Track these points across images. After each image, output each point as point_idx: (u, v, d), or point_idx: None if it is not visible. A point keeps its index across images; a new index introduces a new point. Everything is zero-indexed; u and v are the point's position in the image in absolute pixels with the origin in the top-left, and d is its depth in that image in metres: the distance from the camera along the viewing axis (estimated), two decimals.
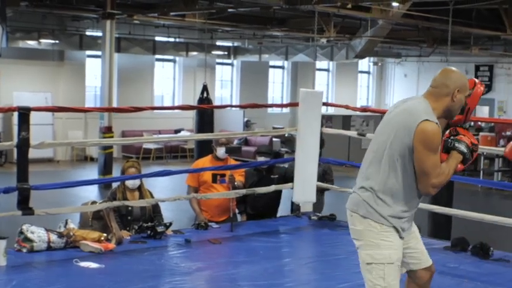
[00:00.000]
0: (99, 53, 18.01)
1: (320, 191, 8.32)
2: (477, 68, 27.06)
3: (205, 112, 14.54)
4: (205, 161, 7.95)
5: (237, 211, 8.06)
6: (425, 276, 4.24)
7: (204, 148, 8.00)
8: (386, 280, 3.96)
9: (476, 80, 4.15)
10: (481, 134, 19.64)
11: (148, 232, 6.78)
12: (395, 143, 3.93)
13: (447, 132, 4.11)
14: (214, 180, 7.74)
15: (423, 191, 3.96)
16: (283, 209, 8.57)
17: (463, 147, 4.00)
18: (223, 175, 7.75)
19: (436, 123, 3.86)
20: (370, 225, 3.98)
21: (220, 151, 7.75)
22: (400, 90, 30.51)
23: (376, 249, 3.96)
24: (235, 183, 7.59)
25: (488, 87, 25.50)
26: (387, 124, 4.06)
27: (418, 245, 4.22)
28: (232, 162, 8.02)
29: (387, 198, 3.95)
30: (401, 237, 4.01)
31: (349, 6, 14.75)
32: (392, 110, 4.15)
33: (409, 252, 4.14)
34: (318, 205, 8.40)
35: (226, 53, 24.92)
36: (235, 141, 23.14)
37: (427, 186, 3.91)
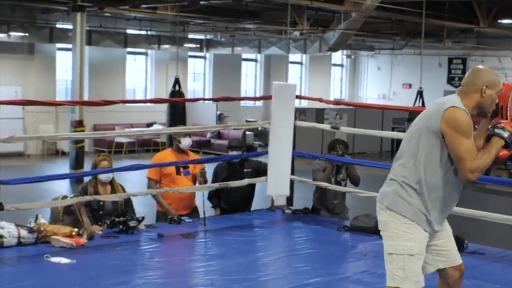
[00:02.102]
0: (69, 46, 17.80)
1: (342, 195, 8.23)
2: (450, 61, 27.23)
3: (177, 105, 14.48)
4: (167, 154, 7.89)
5: (209, 205, 8.02)
6: (455, 275, 4.25)
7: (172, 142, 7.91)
8: (405, 272, 3.99)
9: (504, 82, 4.19)
10: None
11: (121, 227, 6.73)
12: (425, 133, 3.97)
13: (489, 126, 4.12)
14: (177, 172, 7.66)
15: (463, 177, 3.97)
16: (262, 204, 8.55)
17: (502, 132, 3.99)
18: (186, 167, 7.69)
19: (464, 110, 3.91)
20: (393, 216, 4.03)
21: (185, 142, 7.67)
22: (373, 83, 30.65)
23: (397, 240, 4.00)
24: (206, 177, 7.56)
25: (461, 80, 25.65)
26: (420, 120, 4.10)
27: (447, 244, 4.24)
28: (192, 155, 7.94)
29: (415, 190, 3.99)
30: (425, 231, 4.03)
31: None
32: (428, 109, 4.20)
33: (437, 249, 4.19)
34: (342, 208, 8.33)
35: (198, 46, 24.82)
36: (208, 135, 23.11)
37: (464, 171, 3.92)
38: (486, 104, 4.03)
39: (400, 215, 4.00)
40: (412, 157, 4.00)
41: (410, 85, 27.32)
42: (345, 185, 8.08)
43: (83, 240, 6.28)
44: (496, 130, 4.01)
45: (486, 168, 3.98)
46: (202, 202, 7.62)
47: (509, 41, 23.16)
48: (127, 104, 21.77)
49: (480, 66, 4.19)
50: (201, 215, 7.55)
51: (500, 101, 4.10)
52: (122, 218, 6.79)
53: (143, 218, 6.99)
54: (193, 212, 7.76)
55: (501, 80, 4.16)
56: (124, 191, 7.18)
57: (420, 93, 13.36)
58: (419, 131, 4.01)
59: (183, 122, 14.39)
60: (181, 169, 7.69)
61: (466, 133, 3.88)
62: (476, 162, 3.90)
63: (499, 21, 19.25)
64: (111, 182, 7.08)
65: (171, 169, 7.65)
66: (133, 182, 11.91)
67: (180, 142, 7.69)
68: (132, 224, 6.74)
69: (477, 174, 3.93)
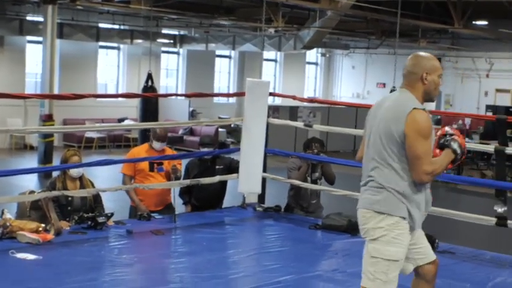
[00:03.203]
0: (40, 38, 17.58)
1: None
2: None
3: (149, 101, 14.37)
4: (142, 150, 7.85)
5: (181, 202, 7.96)
6: (432, 270, 4.29)
7: (148, 137, 7.86)
8: (388, 276, 4.02)
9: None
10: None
11: (89, 223, 6.65)
12: (391, 138, 4.00)
13: (442, 130, 4.21)
14: (151, 168, 7.63)
15: (416, 178, 3.97)
16: (234, 201, 8.49)
17: (456, 146, 4.10)
18: (160, 163, 7.65)
19: (424, 109, 3.98)
20: (383, 222, 4.03)
21: (157, 145, 7.66)
22: (347, 81, 30.72)
23: (385, 245, 4.02)
24: (178, 173, 7.52)
25: None
26: (380, 122, 4.09)
27: (423, 240, 4.28)
28: (169, 151, 7.91)
29: (404, 194, 4.01)
30: (411, 233, 4.08)
31: None
32: (381, 104, 4.20)
33: (416, 247, 4.21)
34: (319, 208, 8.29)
35: (172, 41, 24.67)
36: (180, 131, 23.00)
37: (419, 172, 3.94)
38: (430, 90, 4.11)
39: (393, 218, 4.01)
40: (388, 162, 4.02)
41: (384, 84, 27.39)
42: (320, 184, 8.05)
43: (50, 236, 6.18)
44: (452, 144, 4.09)
45: (438, 175, 4.07)
46: (174, 199, 7.57)
47: (484, 42, 23.35)
48: (98, 99, 21.70)
49: (417, 53, 4.21)
50: (176, 212, 7.52)
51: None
52: (90, 214, 6.72)
53: (112, 214, 6.92)
54: (167, 208, 7.70)
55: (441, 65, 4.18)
56: (93, 186, 7.11)
57: None
58: (387, 136, 4.02)
59: (155, 118, 14.28)
60: (155, 165, 7.65)
61: (426, 135, 3.95)
62: (433, 166, 3.97)
63: (473, 22, 19.41)
64: (80, 178, 6.99)
65: (145, 165, 7.62)
66: (103, 178, 11.81)
67: (153, 142, 7.68)
68: (100, 220, 6.66)
69: (430, 178, 3.99)
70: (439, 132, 4.19)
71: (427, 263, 4.26)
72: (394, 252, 4.01)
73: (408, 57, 4.21)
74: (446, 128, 4.20)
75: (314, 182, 7.94)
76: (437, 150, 4.10)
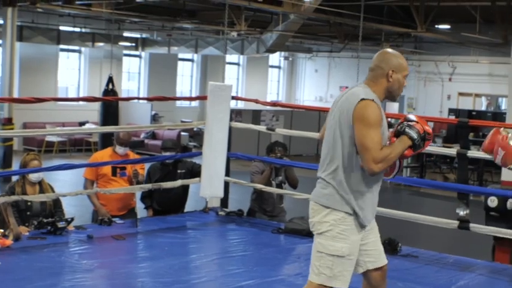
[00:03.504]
0: None
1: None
2: None
3: (110, 104, 14.22)
4: (105, 154, 7.77)
5: (142, 206, 7.89)
6: (379, 275, 4.23)
7: (108, 141, 7.80)
8: (333, 271, 3.98)
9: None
10: (390, 130, 20.07)
11: (49, 228, 6.55)
12: (343, 132, 3.97)
13: (402, 118, 4.16)
14: (114, 173, 7.58)
15: (366, 167, 3.92)
16: (196, 205, 8.44)
17: (412, 133, 4.02)
18: (123, 168, 7.61)
19: (373, 100, 3.92)
20: (328, 216, 4.00)
21: (120, 149, 7.62)
22: (310, 85, 30.80)
23: (330, 241, 3.99)
24: (139, 178, 7.45)
25: None
26: (335, 115, 4.07)
27: (377, 243, 4.23)
28: (133, 156, 7.87)
29: (349, 189, 3.98)
30: (362, 227, 4.04)
31: None
32: (338, 100, 4.16)
33: (367, 249, 4.16)
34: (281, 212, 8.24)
35: (134, 44, 24.53)
36: (142, 135, 22.86)
37: (368, 161, 3.88)
38: (393, 88, 4.08)
39: (337, 213, 3.98)
40: (339, 157, 4.00)
41: (347, 88, 27.52)
42: (284, 188, 8.03)
43: (9, 241, 6.07)
44: (407, 130, 4.03)
45: (390, 163, 3.98)
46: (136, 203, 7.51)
47: (446, 46, 23.59)
48: (59, 102, 21.45)
49: (387, 50, 4.18)
50: (139, 216, 7.47)
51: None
52: (50, 219, 6.62)
53: (72, 219, 6.82)
54: (131, 213, 7.64)
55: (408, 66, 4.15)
56: (53, 191, 7.01)
57: None
58: (338, 129, 4.00)
59: (115, 122, 14.15)
60: (118, 170, 7.60)
61: (372, 124, 3.89)
62: (381, 153, 3.89)
63: (436, 26, 19.59)
64: (40, 182, 6.90)
65: (107, 170, 7.57)
66: (64, 182, 11.68)
67: (116, 147, 7.64)
68: (60, 225, 6.57)
69: (380, 166, 3.90)
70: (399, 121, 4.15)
71: (375, 268, 4.20)
72: (339, 247, 3.97)
73: (377, 52, 4.18)
74: (410, 116, 4.15)
75: (278, 186, 7.93)
76: (394, 138, 4.05)
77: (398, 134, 4.05)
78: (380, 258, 4.23)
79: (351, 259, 4.02)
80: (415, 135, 4.01)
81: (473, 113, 23.30)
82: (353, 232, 4.01)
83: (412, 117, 4.14)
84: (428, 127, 4.12)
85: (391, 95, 4.09)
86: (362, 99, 3.91)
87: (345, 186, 3.98)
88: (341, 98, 4.11)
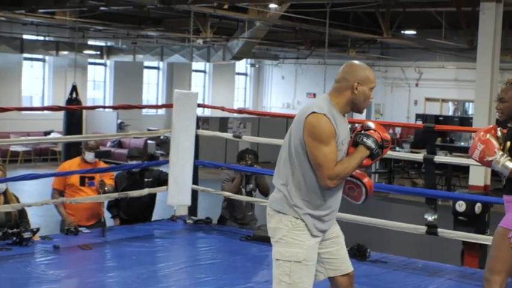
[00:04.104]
0: None
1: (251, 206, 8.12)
2: None
3: (74, 113, 14.09)
4: (73, 163, 7.69)
5: (109, 215, 7.84)
6: (344, 283, 4.17)
7: (72, 150, 7.72)
8: (292, 278, 3.94)
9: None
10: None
11: (14, 238, 6.47)
12: (294, 141, 3.95)
13: (359, 126, 4.11)
14: (82, 183, 7.53)
15: (322, 184, 3.90)
16: (164, 214, 8.37)
17: (369, 142, 3.98)
18: (92, 178, 7.55)
19: (325, 115, 3.85)
20: (282, 222, 3.98)
21: (89, 156, 7.56)
22: (277, 92, 30.82)
23: (285, 247, 3.95)
24: (106, 188, 7.40)
25: None
26: (292, 125, 4.05)
27: (339, 251, 4.18)
28: (102, 165, 7.80)
29: (298, 196, 3.94)
30: (314, 236, 3.98)
31: (226, 6, 14.68)
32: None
33: (328, 258, 4.12)
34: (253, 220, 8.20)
35: (99, 52, 24.30)
36: (108, 144, 22.68)
37: (323, 178, 3.87)
38: (359, 101, 4.00)
39: (289, 221, 3.96)
40: (289, 163, 3.98)
41: (314, 94, 27.57)
42: (255, 196, 8.01)
43: None
44: (365, 139, 3.98)
45: (347, 175, 3.96)
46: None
47: (412, 51, 23.75)
48: (23, 112, 21.21)
49: (354, 62, 4.11)
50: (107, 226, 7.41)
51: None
52: (15, 230, 6.53)
53: (38, 230, 6.74)
54: (100, 223, 7.53)
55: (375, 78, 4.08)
56: (18, 201, 6.91)
57: None
58: (291, 138, 3.98)
59: (79, 131, 14.02)
60: (86, 180, 7.55)
61: (324, 140, 3.84)
62: (337, 169, 3.86)
63: (402, 32, 19.73)
64: (5, 193, 6.80)
65: (75, 179, 7.51)
66: (29, 193, 11.54)
67: (85, 154, 7.57)
68: (26, 235, 6.49)
69: (336, 182, 3.90)
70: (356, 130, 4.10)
71: (340, 275, 4.16)
72: (295, 253, 3.94)
73: (344, 64, 4.12)
74: (368, 123, 4.10)
75: (248, 193, 7.90)
76: (353, 148, 4.00)
77: (356, 144, 4.00)
78: (343, 266, 4.18)
79: (308, 265, 3.97)
80: (372, 145, 3.97)
81: (441, 118, 23.47)
82: (307, 237, 3.96)
83: (370, 124, 4.09)
84: (387, 134, 4.09)
85: (356, 107, 4.02)
86: (312, 113, 3.85)
87: (295, 193, 3.95)
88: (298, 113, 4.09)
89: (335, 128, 3.87)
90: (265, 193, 7.99)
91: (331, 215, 4.07)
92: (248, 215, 8.03)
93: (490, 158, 4.31)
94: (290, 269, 3.93)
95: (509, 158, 4.31)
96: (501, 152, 4.32)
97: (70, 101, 14.63)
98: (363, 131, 4.04)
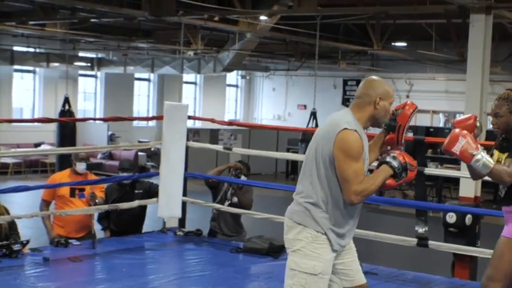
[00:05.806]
0: None
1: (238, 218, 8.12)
2: (345, 83, 27.52)
3: (66, 125, 14.08)
4: (64, 175, 7.68)
5: (99, 227, 7.80)
6: None
7: (65, 162, 7.72)
8: None
9: (409, 102, 4.44)
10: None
11: (3, 251, 6.42)
12: (320, 155, 3.98)
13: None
14: (72, 194, 7.50)
15: (346, 199, 3.95)
16: (154, 226, 8.35)
17: (394, 162, 4.08)
18: (82, 189, 7.53)
19: (356, 131, 3.94)
20: (302, 234, 4.00)
21: (80, 166, 7.54)
22: (268, 103, 30.82)
23: (303, 258, 3.98)
24: (96, 200, 7.37)
25: None
26: (315, 137, 4.10)
27: (353, 263, 4.23)
28: (92, 177, 7.77)
29: (323, 210, 3.98)
30: (334, 250, 4.03)
31: (216, 18, 14.71)
32: (325, 121, 4.19)
33: (342, 269, 4.17)
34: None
35: (89, 64, 24.28)
36: (99, 156, 22.62)
37: (349, 193, 3.92)
38: (380, 115, 4.12)
39: (309, 234, 3.98)
40: (315, 178, 4.00)
41: (305, 106, 27.59)
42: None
43: None
44: (388, 159, 4.10)
45: (371, 194, 4.04)
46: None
47: (403, 63, 23.79)
48: (13, 124, 21.18)
49: (374, 77, 4.22)
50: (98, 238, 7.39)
51: (399, 119, 4.26)
52: (4, 242, 6.49)
53: (28, 242, 6.69)
54: (90, 235, 7.54)
55: (395, 99, 4.18)
56: (8, 213, 6.90)
57: (314, 114, 13.46)
58: (317, 152, 4.01)
59: (72, 143, 13.99)
60: (76, 191, 7.52)
61: (354, 156, 3.91)
62: (362, 185, 3.93)
63: (392, 43, 19.78)
64: None
65: (65, 191, 7.48)
66: (19, 205, 11.48)
67: (76, 165, 7.55)
68: (16, 247, 6.45)
69: (360, 198, 3.96)
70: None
71: (355, 286, 4.21)
72: (312, 265, 3.96)
73: (363, 80, 4.21)
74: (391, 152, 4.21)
75: (234, 205, 7.88)
76: (376, 170, 4.10)
77: (380, 164, 4.11)
78: (357, 278, 4.23)
79: (323, 278, 4.01)
80: (395, 164, 4.06)
81: (431, 129, 23.49)
82: (326, 251, 4.00)
83: (394, 151, 4.19)
84: (411, 160, 4.18)
85: (377, 122, 4.14)
86: (344, 129, 3.92)
87: (319, 208, 3.99)
88: (324, 124, 4.15)
89: (363, 144, 3.98)
90: (248, 209, 7.90)
91: (351, 231, 4.14)
92: (236, 227, 8.01)
93: (474, 152, 4.37)
94: (306, 281, 3.96)
95: (490, 158, 4.41)
96: (484, 149, 4.40)
97: (63, 112, 14.63)
98: (389, 153, 4.15)
